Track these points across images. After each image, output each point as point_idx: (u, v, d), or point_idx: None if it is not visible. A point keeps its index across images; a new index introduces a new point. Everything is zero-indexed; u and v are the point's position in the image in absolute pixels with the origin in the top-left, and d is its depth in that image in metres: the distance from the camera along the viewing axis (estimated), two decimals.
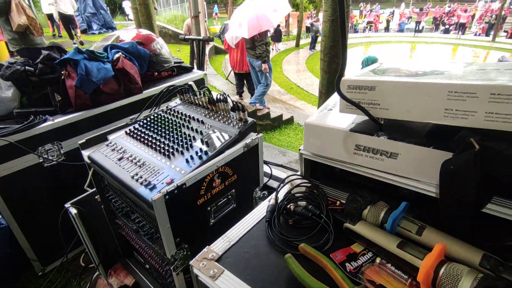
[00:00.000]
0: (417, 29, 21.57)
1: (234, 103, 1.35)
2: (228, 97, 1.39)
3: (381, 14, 26.20)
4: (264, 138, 4.87)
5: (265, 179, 1.54)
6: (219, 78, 8.32)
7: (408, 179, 0.75)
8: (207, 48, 11.22)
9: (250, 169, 1.35)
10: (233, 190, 1.27)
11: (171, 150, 1.20)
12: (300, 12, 17.94)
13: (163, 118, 1.43)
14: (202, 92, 1.48)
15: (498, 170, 0.60)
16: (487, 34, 20.12)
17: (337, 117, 0.89)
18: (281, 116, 5.56)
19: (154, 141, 1.28)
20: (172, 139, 1.27)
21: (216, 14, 27.58)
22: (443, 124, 0.66)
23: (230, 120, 1.35)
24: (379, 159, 0.78)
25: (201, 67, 2.51)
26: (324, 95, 4.11)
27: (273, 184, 1.53)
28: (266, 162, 1.60)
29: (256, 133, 1.34)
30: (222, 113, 1.40)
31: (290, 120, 5.68)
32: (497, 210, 0.64)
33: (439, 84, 0.65)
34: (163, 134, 1.31)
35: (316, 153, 0.93)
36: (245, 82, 6.13)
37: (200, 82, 2.20)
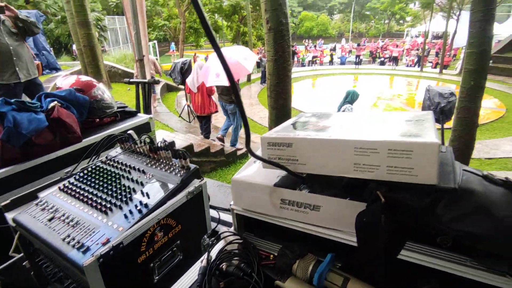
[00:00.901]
0: (357, 61, 23.63)
1: (176, 150, 1.34)
2: (170, 144, 1.37)
3: (324, 49, 28.44)
4: (218, 175, 4.82)
5: (214, 224, 1.51)
6: (172, 116, 8.25)
7: (332, 230, 0.78)
8: (159, 87, 11.16)
9: (195, 217, 1.32)
10: (178, 242, 1.23)
11: (109, 205, 1.14)
12: (250, 48, 18.74)
13: (101, 169, 1.37)
14: (143, 141, 1.45)
15: (405, 219, 0.65)
16: (416, 65, 22.68)
17: (264, 170, 0.92)
18: (235, 151, 5.59)
19: (90, 196, 1.21)
20: (110, 192, 1.21)
21: (173, 51, 27.82)
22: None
23: (172, 168, 1.33)
24: (304, 212, 0.82)
25: (147, 110, 2.48)
26: None
27: (223, 229, 1.51)
28: (213, 207, 1.58)
29: (200, 179, 1.33)
30: (164, 161, 1.38)
31: (245, 155, 5.73)
32: (410, 256, 0.69)
33: (346, 141, 0.71)
34: (101, 188, 1.25)
35: (246, 208, 0.94)
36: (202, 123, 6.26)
37: (146, 126, 2.16)
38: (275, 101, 4.10)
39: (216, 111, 6.02)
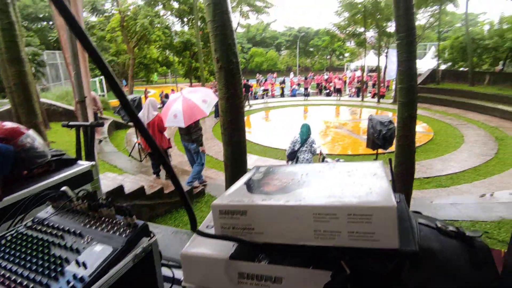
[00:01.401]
0: (305, 93, 24.99)
1: (119, 206, 1.17)
2: (112, 201, 1.20)
3: (274, 82, 29.66)
4: (174, 218, 4.53)
5: (168, 285, 1.32)
6: (121, 156, 7.78)
7: None
8: (106, 125, 10.59)
9: (145, 281, 1.14)
10: None
11: (31, 285, 0.93)
12: (202, 83, 18.87)
13: (25, 237, 1.14)
14: (80, 197, 1.26)
15: (372, 285, 0.62)
16: (358, 96, 24.76)
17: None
18: (191, 189, 5.35)
19: (8, 275, 0.98)
20: (35, 267, 0.99)
21: (125, 86, 26.96)
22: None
23: (116, 227, 1.15)
24: (265, 285, 0.73)
25: (89, 156, 2.25)
26: (229, 167, 4.14)
27: None
28: (165, 265, 1.39)
29: (149, 237, 1.16)
30: (106, 220, 1.19)
31: (201, 193, 5.51)
32: None
33: (304, 207, 0.65)
34: (22, 262, 1.02)
35: (200, 285, 0.82)
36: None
37: (88, 175, 1.93)
38: (229, 138, 4.04)
39: (169, 147, 5.82)
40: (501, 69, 20.68)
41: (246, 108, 18.62)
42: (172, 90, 21.86)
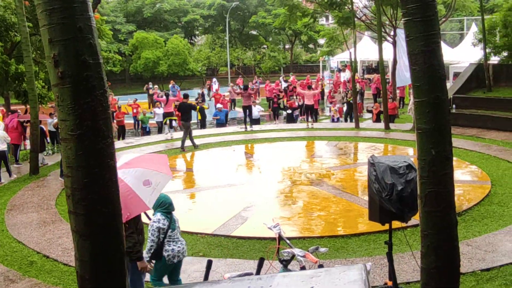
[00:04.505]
0: (247, 119, 15.41)
1: None
2: None
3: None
4: None
5: None
6: None
7: None
8: None
9: None
10: None
11: None
12: (32, 105, 12.89)
13: None
14: None
15: None
16: (347, 117, 15.10)
17: None
18: None
19: None
20: None
21: None
22: None
23: None
24: None
25: None
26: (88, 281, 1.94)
27: None
28: None
29: None
30: None
31: None
32: None
33: None
34: None
35: None
36: None
37: None
38: (85, 222, 1.90)
39: None
40: None
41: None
42: None
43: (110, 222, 2.00)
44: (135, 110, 15.37)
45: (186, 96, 11.24)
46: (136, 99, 16.36)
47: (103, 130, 1.96)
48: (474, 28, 16.88)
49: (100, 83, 1.96)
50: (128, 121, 15.35)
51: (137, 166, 3.23)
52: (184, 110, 10.64)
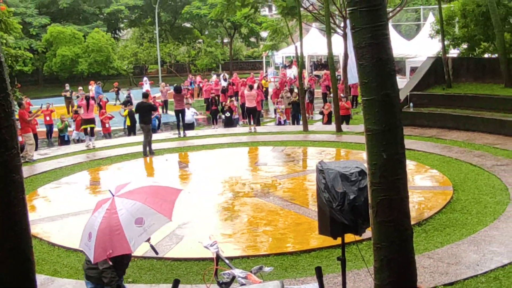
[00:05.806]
0: (180, 123, 12.61)
1: None
2: None
3: (106, 101, 18.54)
4: None
5: None
6: None
7: None
8: None
9: None
10: None
11: None
12: None
13: None
14: None
15: None
16: (294, 120, 13.02)
17: None
18: None
19: None
20: None
21: None
22: None
23: None
24: None
25: None
26: None
27: None
28: None
29: None
30: None
31: None
32: None
33: None
34: None
35: None
36: None
37: None
38: None
39: None
40: None
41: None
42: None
43: (18, 246, 1.73)
44: (47, 118, 13.02)
45: (145, 96, 10.02)
46: (49, 104, 13.66)
47: (6, 140, 1.66)
48: (431, 18, 15.85)
49: (2, 85, 1.65)
50: (41, 129, 12.83)
51: (138, 198, 2.82)
52: (144, 111, 9.38)
